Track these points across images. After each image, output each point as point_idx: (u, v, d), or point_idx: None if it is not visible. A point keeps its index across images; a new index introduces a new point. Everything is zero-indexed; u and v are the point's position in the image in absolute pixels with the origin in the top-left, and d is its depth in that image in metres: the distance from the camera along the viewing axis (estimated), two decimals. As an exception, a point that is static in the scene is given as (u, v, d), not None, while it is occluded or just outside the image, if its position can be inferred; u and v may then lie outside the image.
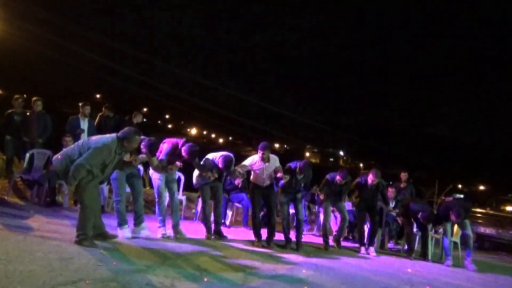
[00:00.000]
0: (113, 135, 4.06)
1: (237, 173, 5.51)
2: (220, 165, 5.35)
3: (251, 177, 5.73)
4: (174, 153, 5.06)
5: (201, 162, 5.46)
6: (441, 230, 6.45)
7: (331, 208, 6.55)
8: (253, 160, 5.57)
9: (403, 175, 8.49)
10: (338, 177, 6.12)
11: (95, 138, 4.09)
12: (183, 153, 5.01)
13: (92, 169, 3.85)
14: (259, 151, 5.45)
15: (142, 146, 4.58)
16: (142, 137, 4.79)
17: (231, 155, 5.49)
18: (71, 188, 3.86)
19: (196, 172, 5.58)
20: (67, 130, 6.98)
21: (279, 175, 5.45)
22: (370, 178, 6.13)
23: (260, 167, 5.51)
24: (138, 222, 4.86)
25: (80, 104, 7.44)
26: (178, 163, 5.10)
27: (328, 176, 6.27)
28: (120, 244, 4.22)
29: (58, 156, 4.09)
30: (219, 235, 5.61)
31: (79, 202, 3.99)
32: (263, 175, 5.54)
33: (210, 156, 5.55)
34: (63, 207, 6.06)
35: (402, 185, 8.46)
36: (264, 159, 5.45)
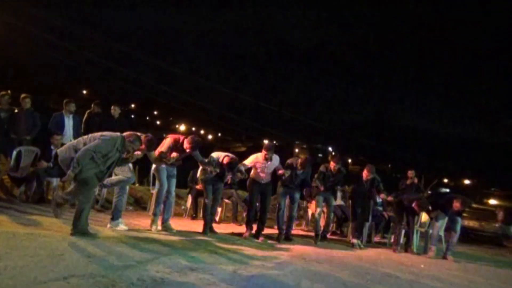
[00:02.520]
0: (118, 133, 4.30)
1: (239, 174, 5.71)
2: (224, 164, 5.53)
3: (251, 173, 5.95)
4: (175, 146, 5.26)
5: (206, 160, 5.64)
6: (421, 221, 6.62)
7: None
8: (256, 158, 5.82)
9: (410, 173, 8.50)
10: (332, 163, 6.26)
11: (100, 132, 4.28)
12: (186, 143, 5.19)
13: (95, 157, 3.98)
14: (263, 150, 5.70)
15: None
16: (140, 134, 4.90)
17: (236, 158, 5.71)
18: (72, 174, 3.93)
19: (200, 169, 5.77)
20: (50, 126, 6.93)
21: (280, 172, 5.80)
22: (365, 174, 6.33)
23: (262, 165, 5.78)
24: (115, 217, 5.02)
25: (64, 101, 7.39)
26: (174, 153, 5.22)
27: (321, 167, 6.40)
28: (111, 240, 4.25)
29: (63, 147, 4.25)
30: (210, 230, 5.75)
31: (77, 192, 4.03)
32: (263, 173, 5.82)
33: (215, 154, 5.75)
34: (51, 204, 6.04)
35: (408, 182, 8.54)
36: (267, 159, 5.70)
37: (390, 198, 6.79)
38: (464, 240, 9.82)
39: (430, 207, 6.38)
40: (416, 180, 8.52)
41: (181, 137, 5.30)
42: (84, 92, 53.89)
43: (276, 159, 5.84)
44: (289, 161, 6.03)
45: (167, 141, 5.29)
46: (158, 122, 65.81)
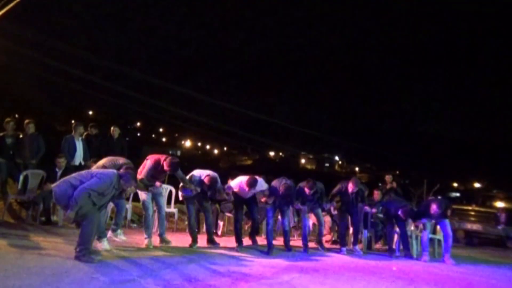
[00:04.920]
0: (115, 171, 4.45)
1: (223, 194, 5.97)
2: (206, 182, 5.68)
3: (235, 188, 6.07)
4: (156, 168, 5.35)
5: (187, 177, 5.77)
6: (420, 225, 6.71)
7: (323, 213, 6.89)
8: (241, 182, 5.95)
9: (388, 178, 8.93)
10: (306, 189, 6.28)
11: (96, 170, 4.49)
12: (165, 166, 5.29)
13: (92, 195, 4.13)
14: (246, 186, 5.79)
15: (121, 171, 4.80)
16: (123, 161, 5.12)
17: (216, 175, 5.82)
18: (71, 215, 4.06)
19: (180, 185, 5.88)
20: (62, 149, 7.08)
21: (263, 200, 5.99)
22: (350, 187, 6.44)
23: (245, 191, 5.92)
24: (114, 228, 5.34)
25: (73, 124, 7.59)
26: (157, 184, 5.41)
27: (298, 187, 6.47)
28: (112, 257, 4.43)
29: (58, 183, 4.35)
30: (211, 243, 5.92)
31: (83, 219, 4.17)
32: (246, 195, 6.00)
33: (196, 172, 5.87)
34: (58, 226, 6.23)
35: (388, 187, 8.83)
36: (250, 190, 5.86)
37: (374, 210, 6.92)
38: (469, 244, 9.88)
39: (412, 214, 6.48)
40: (395, 185, 8.77)
41: (162, 158, 5.34)
42: (90, 112, 54.68)
43: (260, 184, 5.92)
44: (273, 184, 6.11)
45: (148, 163, 5.36)
46: (164, 139, 66.39)
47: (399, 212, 6.40)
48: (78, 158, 7.26)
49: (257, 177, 5.98)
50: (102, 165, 5.09)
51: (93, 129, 7.95)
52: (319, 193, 6.45)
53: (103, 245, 4.82)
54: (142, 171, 5.34)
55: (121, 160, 5.21)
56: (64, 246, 4.62)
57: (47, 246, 4.60)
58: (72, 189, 4.10)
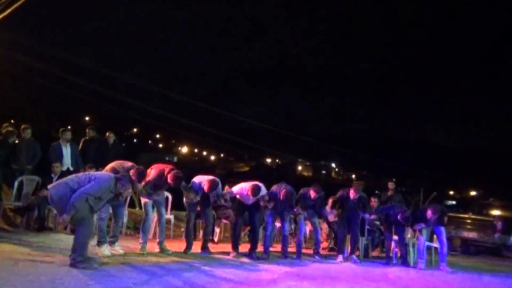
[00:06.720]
0: (112, 175, 4.43)
1: (223, 201, 5.98)
2: (205, 188, 5.66)
3: (238, 196, 6.09)
4: (160, 179, 5.35)
5: (189, 185, 5.74)
6: (417, 233, 6.70)
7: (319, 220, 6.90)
8: (242, 189, 5.96)
9: (390, 184, 8.87)
10: (312, 192, 6.33)
11: (94, 173, 4.46)
12: (169, 179, 5.27)
13: (89, 199, 4.12)
14: (250, 195, 5.78)
15: (131, 173, 4.80)
16: (131, 164, 5.04)
17: (217, 179, 5.84)
18: (67, 218, 4.06)
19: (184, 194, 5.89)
20: (50, 157, 6.99)
21: (262, 203, 5.98)
22: (352, 194, 6.45)
23: (247, 198, 5.93)
24: (112, 241, 5.15)
25: (60, 130, 7.52)
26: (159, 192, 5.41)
27: (302, 191, 6.51)
28: (108, 263, 4.39)
29: (54, 184, 4.33)
30: (204, 249, 5.90)
31: (78, 224, 4.16)
32: (248, 201, 5.99)
33: (197, 179, 5.87)
34: (53, 232, 6.18)
35: (389, 193, 8.77)
36: (254, 197, 5.86)
37: (373, 217, 6.92)
38: (465, 252, 9.87)
39: (411, 220, 6.47)
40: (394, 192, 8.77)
41: (166, 170, 5.32)
42: (87, 118, 54.50)
43: (262, 191, 5.94)
44: (273, 189, 6.14)
45: (152, 172, 5.34)
46: (160, 145, 66.22)
47: (399, 217, 6.39)
48: (66, 164, 7.15)
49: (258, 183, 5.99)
50: (111, 168, 5.07)
51: (91, 131, 7.87)
52: (322, 199, 6.46)
53: (104, 251, 4.78)
54: (146, 179, 5.30)
55: (129, 163, 5.19)
56: (58, 253, 4.57)
57: (41, 253, 4.55)
58: (71, 192, 4.07)
